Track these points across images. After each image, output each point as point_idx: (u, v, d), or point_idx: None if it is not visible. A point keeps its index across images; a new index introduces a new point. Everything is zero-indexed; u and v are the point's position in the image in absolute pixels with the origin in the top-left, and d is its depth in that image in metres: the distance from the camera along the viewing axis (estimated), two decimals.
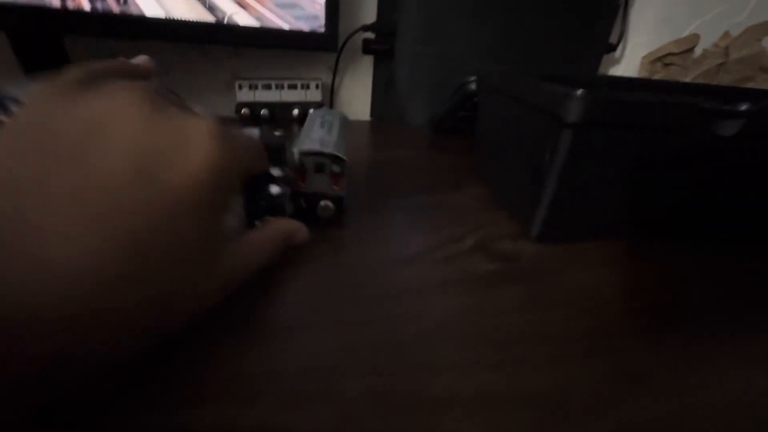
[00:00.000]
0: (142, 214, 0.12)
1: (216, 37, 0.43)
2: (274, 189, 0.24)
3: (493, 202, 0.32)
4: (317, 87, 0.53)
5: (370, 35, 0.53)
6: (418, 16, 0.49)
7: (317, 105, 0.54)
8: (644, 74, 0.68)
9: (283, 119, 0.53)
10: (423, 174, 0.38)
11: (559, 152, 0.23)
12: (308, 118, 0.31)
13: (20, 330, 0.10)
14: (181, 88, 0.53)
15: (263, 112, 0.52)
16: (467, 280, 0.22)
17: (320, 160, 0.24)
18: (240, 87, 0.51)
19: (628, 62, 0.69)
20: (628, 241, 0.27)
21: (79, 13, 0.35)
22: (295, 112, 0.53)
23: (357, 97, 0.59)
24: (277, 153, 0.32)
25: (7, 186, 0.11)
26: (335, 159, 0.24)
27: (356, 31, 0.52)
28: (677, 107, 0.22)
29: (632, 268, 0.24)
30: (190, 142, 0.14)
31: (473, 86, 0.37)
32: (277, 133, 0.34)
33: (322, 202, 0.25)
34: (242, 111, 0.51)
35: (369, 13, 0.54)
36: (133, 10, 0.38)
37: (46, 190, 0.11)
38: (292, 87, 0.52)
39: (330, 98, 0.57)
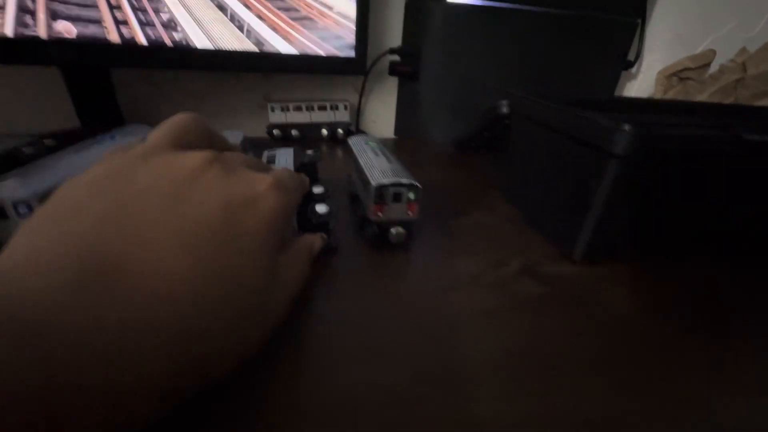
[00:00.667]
0: (231, 251, 0.15)
1: (257, 65, 0.45)
2: (321, 208, 0.26)
3: (527, 224, 0.33)
4: (345, 108, 0.55)
5: (395, 58, 0.55)
6: (441, 40, 0.51)
7: (345, 125, 0.56)
8: (660, 89, 0.69)
9: (312, 138, 0.55)
10: (454, 195, 0.39)
11: (604, 181, 0.24)
12: (354, 146, 0.33)
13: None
14: (216, 111, 0.56)
15: (294, 132, 0.54)
16: (520, 305, 0.23)
17: (398, 190, 0.25)
18: (272, 109, 0.53)
19: (644, 78, 0.70)
20: (668, 260, 0.28)
21: (133, 46, 0.38)
22: (324, 132, 0.55)
23: (381, 116, 0.61)
24: (312, 172, 0.34)
25: (117, 230, 0.13)
26: (412, 187, 0.26)
27: (383, 54, 0.54)
28: (721, 140, 0.23)
29: (679, 288, 0.25)
30: (258, 194, 0.17)
31: (504, 110, 0.38)
32: (309, 152, 0.36)
33: (394, 229, 0.27)
34: (274, 132, 0.53)
35: (394, 38, 0.56)
36: (182, 41, 0.40)
37: (152, 233, 0.13)
38: (322, 108, 0.54)
39: (356, 118, 0.59)
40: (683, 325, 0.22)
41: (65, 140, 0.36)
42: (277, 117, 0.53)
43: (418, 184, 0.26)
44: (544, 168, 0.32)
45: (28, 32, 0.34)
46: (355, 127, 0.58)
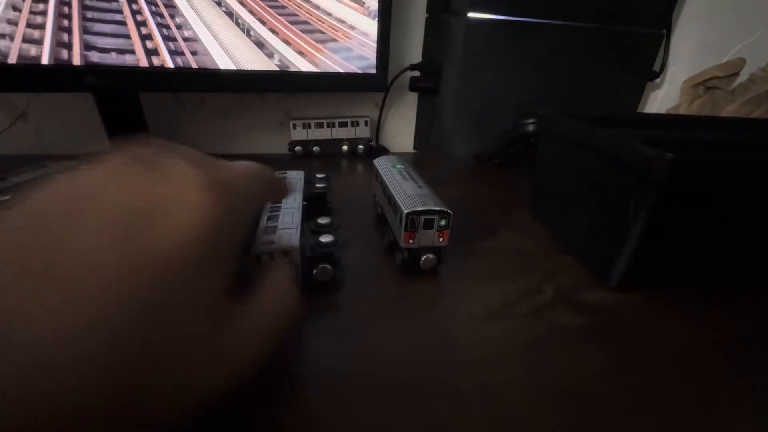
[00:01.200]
0: (127, 286, 0.10)
1: (279, 85, 0.46)
2: (326, 238, 0.26)
3: (557, 246, 0.33)
4: (366, 124, 0.56)
5: (415, 73, 0.55)
6: (463, 55, 0.51)
7: (366, 141, 0.56)
8: (686, 99, 0.68)
9: (332, 155, 0.55)
10: (480, 213, 0.39)
11: (645, 208, 0.23)
12: (381, 169, 0.33)
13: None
14: (240, 129, 0.56)
15: (315, 149, 0.54)
16: (559, 337, 0.22)
17: (430, 217, 0.25)
18: (294, 126, 0.53)
19: (669, 88, 0.69)
20: (706, 290, 0.27)
21: (162, 71, 0.39)
22: (345, 147, 0.56)
23: (401, 131, 0.61)
24: (321, 203, 0.34)
25: None
26: (444, 214, 0.26)
27: (404, 70, 0.54)
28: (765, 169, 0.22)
29: (720, 320, 0.24)
30: (175, 198, 0.12)
31: (531, 128, 0.38)
32: (319, 176, 0.36)
33: (425, 257, 0.26)
34: (296, 149, 0.54)
35: (414, 53, 0.56)
36: (208, 64, 0.41)
37: (21, 271, 0.10)
38: (343, 125, 0.55)
39: (376, 133, 0.59)
40: (739, 363, 0.21)
41: None
42: (299, 134, 0.54)
43: (449, 211, 0.26)
44: (577, 189, 0.31)
45: (64, 61, 0.35)
46: (375, 143, 0.59)
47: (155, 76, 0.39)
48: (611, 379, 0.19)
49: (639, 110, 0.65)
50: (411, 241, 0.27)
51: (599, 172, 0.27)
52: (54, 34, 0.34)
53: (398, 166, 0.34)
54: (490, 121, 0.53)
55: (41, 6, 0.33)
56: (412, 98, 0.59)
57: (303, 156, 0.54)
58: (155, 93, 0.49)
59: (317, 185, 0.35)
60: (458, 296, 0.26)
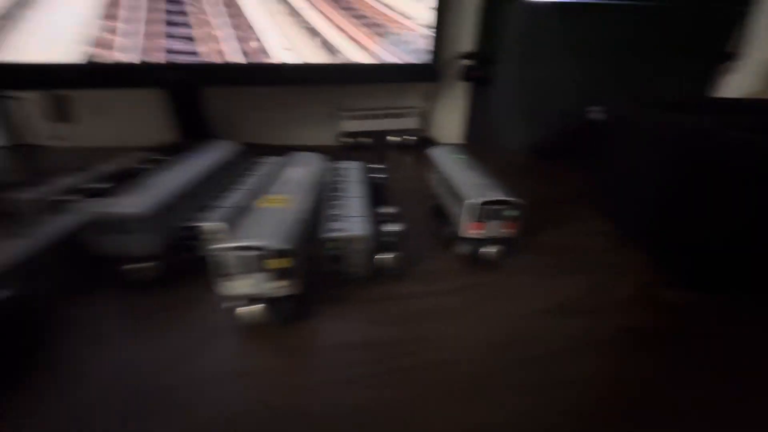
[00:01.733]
0: None
1: (335, 77, 0.47)
2: (390, 227, 0.26)
3: (624, 241, 0.31)
4: (415, 114, 0.55)
5: (467, 63, 0.54)
6: (519, 41, 0.49)
7: (415, 132, 0.56)
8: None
9: (381, 145, 0.55)
10: (543, 206, 0.37)
11: (734, 204, 0.21)
12: (440, 159, 0.33)
13: None
14: (290, 121, 0.58)
15: (364, 140, 0.55)
16: (634, 338, 0.21)
17: (500, 208, 0.25)
18: (345, 118, 0.54)
19: (747, 71, 0.62)
20: None
21: (231, 66, 0.41)
22: (393, 138, 0.56)
23: (449, 122, 0.60)
24: (380, 192, 0.34)
25: None
26: (516, 205, 0.25)
27: (456, 59, 0.53)
28: None
29: None
30: None
31: (598, 116, 0.36)
32: (377, 166, 0.37)
33: (490, 248, 0.27)
34: (345, 140, 0.55)
35: (466, 42, 0.55)
36: (271, 59, 0.42)
37: None
38: (392, 116, 0.55)
39: (425, 124, 0.59)
40: None
41: (168, 154, 0.40)
42: (350, 125, 0.55)
43: (522, 201, 0.26)
44: (652, 183, 0.29)
45: (150, 59, 0.38)
46: (423, 134, 0.58)
47: (225, 71, 0.41)
48: (702, 386, 0.18)
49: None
50: (477, 231, 0.27)
51: (681, 163, 0.26)
52: (144, 39, 0.37)
53: (457, 156, 0.34)
54: (545, 111, 0.51)
55: (134, 15, 0.36)
56: (463, 89, 0.58)
57: (352, 148, 0.55)
58: (217, 88, 0.52)
59: (377, 175, 0.35)
60: (523, 290, 0.26)
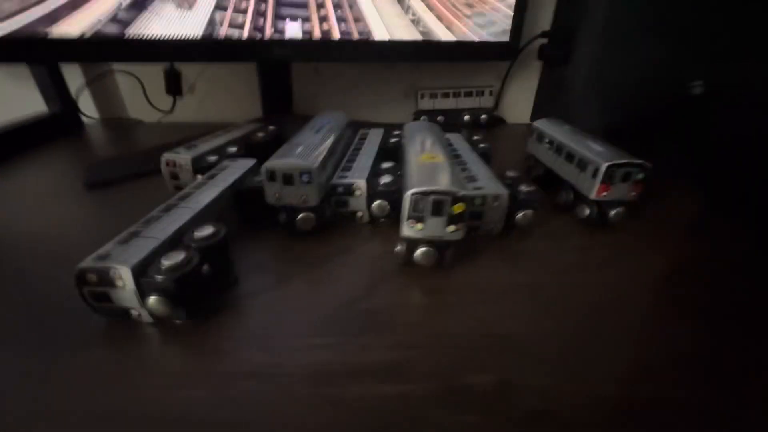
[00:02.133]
0: None
1: (421, 54, 0.48)
2: (527, 187, 0.28)
3: (724, 211, 0.32)
4: (491, 93, 0.57)
5: (544, 41, 0.55)
6: (603, 17, 0.49)
7: (489, 110, 0.57)
8: None
9: (455, 124, 0.57)
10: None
11: None
12: (549, 129, 0.34)
13: None
14: (367, 99, 0.60)
15: (439, 118, 0.57)
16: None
17: (629, 170, 0.26)
18: (422, 96, 0.56)
19: None
20: None
21: (331, 42, 0.43)
22: (466, 117, 0.57)
23: (520, 101, 0.61)
24: (488, 159, 0.36)
25: None
26: (644, 167, 0.27)
27: (534, 38, 0.54)
28: None
29: None
30: None
31: (698, 90, 0.36)
32: (476, 138, 0.38)
33: (616, 209, 0.28)
34: (421, 118, 0.56)
35: (544, 20, 0.55)
36: (367, 35, 0.44)
37: None
38: (468, 94, 0.56)
39: (496, 103, 0.60)
40: None
41: (278, 126, 0.42)
42: (426, 104, 0.56)
43: (649, 164, 0.27)
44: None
45: (257, 38, 0.40)
46: (494, 113, 0.59)
47: (325, 48, 0.43)
48: None
49: None
50: (604, 194, 0.28)
51: None
52: (253, 17, 0.39)
53: (566, 126, 0.35)
54: (626, 91, 0.51)
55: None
56: (535, 68, 0.58)
57: None
58: (303, 64, 0.54)
59: (481, 145, 0.37)
60: (648, 252, 0.27)
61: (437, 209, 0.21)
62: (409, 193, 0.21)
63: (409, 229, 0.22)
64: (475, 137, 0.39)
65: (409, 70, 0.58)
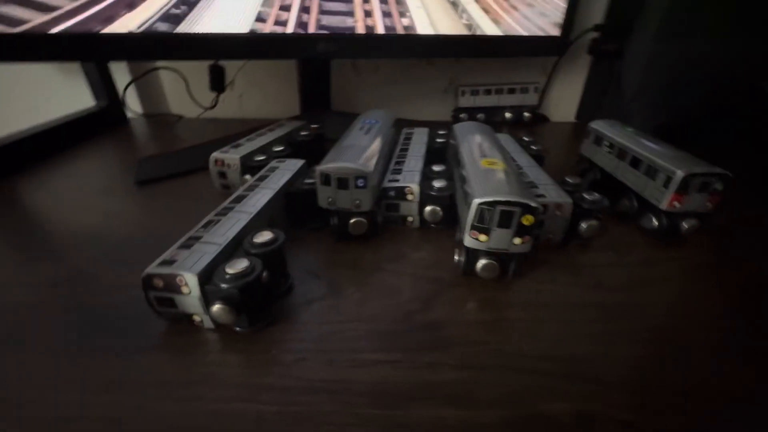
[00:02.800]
0: None
1: (466, 50, 0.46)
2: (590, 195, 0.26)
3: None
4: (535, 90, 0.54)
5: (596, 35, 0.52)
6: (663, 12, 0.45)
7: (532, 108, 0.54)
8: None
9: (495, 122, 0.55)
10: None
11: None
12: (610, 131, 0.32)
13: None
14: (406, 96, 0.59)
15: (479, 116, 0.55)
16: None
17: (708, 180, 0.24)
18: (462, 93, 0.54)
19: None
20: None
21: (375, 36, 0.42)
22: (508, 115, 0.55)
23: (564, 98, 0.58)
24: (541, 162, 0.34)
25: None
26: (723, 177, 0.24)
27: (587, 31, 0.51)
28: None
29: None
30: None
31: None
32: (527, 139, 0.36)
33: (688, 222, 0.26)
34: (461, 115, 0.55)
35: (596, 13, 0.52)
36: (412, 29, 0.43)
37: None
38: (511, 91, 0.54)
39: (540, 100, 0.57)
40: None
41: (319, 124, 0.41)
42: (466, 101, 0.54)
43: (730, 174, 0.25)
44: None
45: (302, 33, 0.40)
46: (538, 111, 0.57)
47: (369, 43, 0.42)
48: None
49: None
50: (676, 204, 0.26)
51: None
52: (298, 13, 0.38)
53: (628, 128, 0.33)
54: (685, 89, 0.48)
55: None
56: (583, 63, 0.55)
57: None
58: (341, 60, 0.53)
59: (533, 147, 0.35)
60: (725, 269, 0.25)
61: (505, 221, 0.20)
62: (475, 202, 0.20)
63: (471, 241, 0.21)
64: (525, 138, 0.37)
65: (450, 66, 0.56)
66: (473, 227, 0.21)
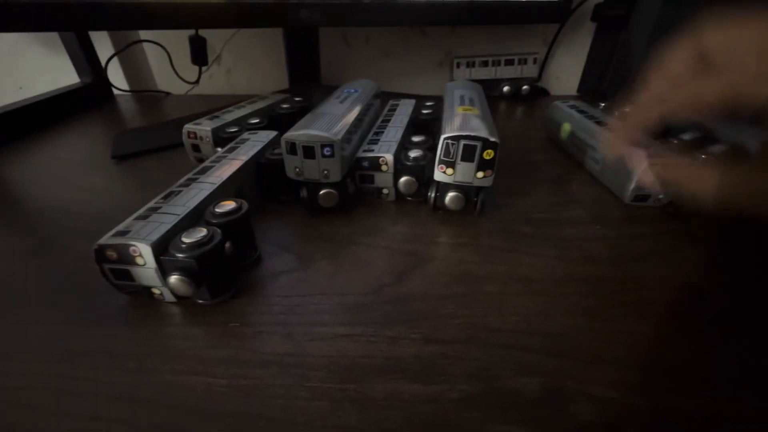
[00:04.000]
0: None
1: (458, 16, 0.44)
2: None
3: None
4: (534, 62, 0.51)
5: (600, 0, 0.48)
6: None
7: (532, 81, 0.52)
8: None
9: (492, 97, 0.52)
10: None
11: None
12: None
13: None
14: (400, 69, 0.56)
15: None
16: None
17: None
18: (457, 65, 0.52)
19: None
20: None
21: (360, 3, 0.39)
22: (506, 88, 0.52)
23: (566, 71, 0.55)
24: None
25: None
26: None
27: None
28: None
29: None
30: None
31: None
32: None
33: None
34: None
35: None
36: None
37: None
38: (509, 63, 0.51)
39: (539, 72, 0.54)
40: None
41: (304, 98, 0.40)
42: (462, 73, 0.52)
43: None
44: None
45: None
46: (537, 84, 0.54)
47: (356, 9, 0.40)
48: None
49: None
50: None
51: None
52: None
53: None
54: None
55: None
56: (586, 32, 0.52)
57: None
58: (331, 32, 0.51)
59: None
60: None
61: (468, 155, 0.22)
62: (442, 137, 0.22)
63: (440, 174, 0.23)
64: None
65: (445, 37, 0.54)
66: (440, 161, 0.23)
